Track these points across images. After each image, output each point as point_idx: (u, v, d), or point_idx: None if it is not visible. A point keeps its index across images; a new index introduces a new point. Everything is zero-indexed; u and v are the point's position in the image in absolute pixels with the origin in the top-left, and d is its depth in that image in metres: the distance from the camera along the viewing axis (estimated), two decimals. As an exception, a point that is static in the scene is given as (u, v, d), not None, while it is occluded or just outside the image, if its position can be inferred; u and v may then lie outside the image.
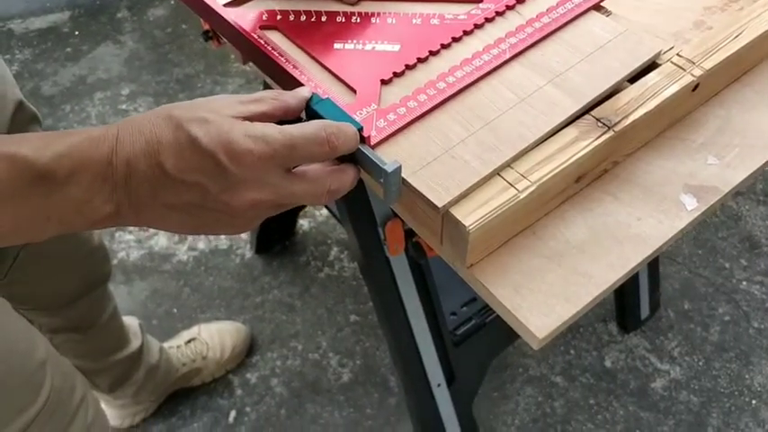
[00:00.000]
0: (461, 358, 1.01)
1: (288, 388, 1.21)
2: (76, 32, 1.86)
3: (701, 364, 1.25)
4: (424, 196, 0.44)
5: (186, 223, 0.41)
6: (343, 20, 0.55)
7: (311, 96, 0.46)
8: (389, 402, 1.20)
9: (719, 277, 1.37)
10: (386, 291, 0.88)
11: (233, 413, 1.19)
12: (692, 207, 0.50)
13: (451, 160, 0.46)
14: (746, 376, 1.24)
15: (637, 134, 0.51)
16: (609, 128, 0.48)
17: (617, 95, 0.50)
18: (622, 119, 0.49)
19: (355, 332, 1.28)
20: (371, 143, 0.47)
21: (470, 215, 0.44)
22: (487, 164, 0.46)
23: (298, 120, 0.46)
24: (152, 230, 1.44)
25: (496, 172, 0.46)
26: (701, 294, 1.34)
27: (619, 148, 0.50)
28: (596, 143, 0.47)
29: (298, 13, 0.55)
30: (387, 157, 0.45)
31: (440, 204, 0.44)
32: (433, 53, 0.52)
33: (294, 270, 1.37)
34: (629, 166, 0.52)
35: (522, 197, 0.45)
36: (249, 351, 1.25)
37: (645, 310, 1.29)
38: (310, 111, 0.46)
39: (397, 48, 0.53)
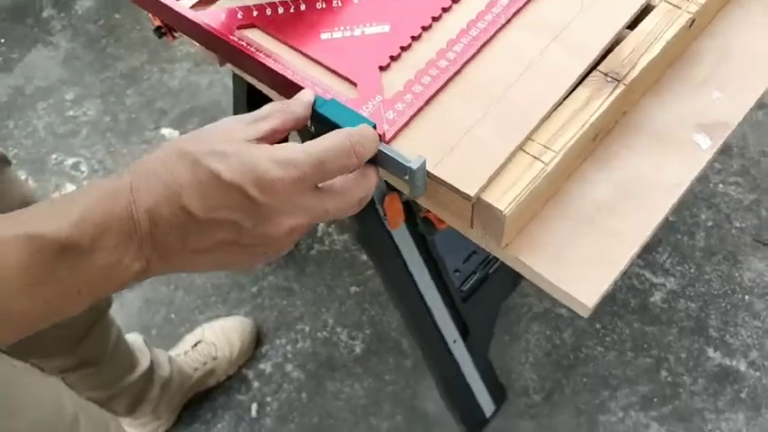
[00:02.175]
0: (472, 312, 1.02)
1: (304, 371, 1.21)
2: (2, 39, 1.75)
3: (692, 271, 1.29)
4: (453, 187, 0.43)
5: (220, 262, 0.39)
6: (324, 5, 0.52)
7: (315, 99, 0.44)
8: (406, 365, 1.22)
9: (697, 184, 1.40)
10: (392, 265, 0.87)
11: (254, 406, 1.18)
12: (706, 146, 0.50)
13: (472, 144, 0.44)
14: (736, 274, 1.28)
15: (643, 81, 0.50)
16: (619, 81, 0.47)
17: (619, 46, 0.49)
18: (630, 70, 0.48)
19: (359, 303, 1.28)
20: (386, 139, 0.45)
21: (503, 198, 0.43)
22: (509, 141, 0.44)
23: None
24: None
25: (519, 147, 0.45)
26: (681, 204, 1.37)
27: (629, 98, 0.49)
28: (610, 99, 0.46)
29: (274, 6, 0.52)
30: (403, 150, 0.44)
31: (471, 193, 0.42)
32: (425, 29, 0.50)
33: (285, 253, 1.35)
34: (638, 114, 0.51)
35: (549, 169, 0.44)
36: (257, 342, 1.24)
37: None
38: (316, 114, 0.43)
39: (387, 28, 0.50)
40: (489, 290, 1.05)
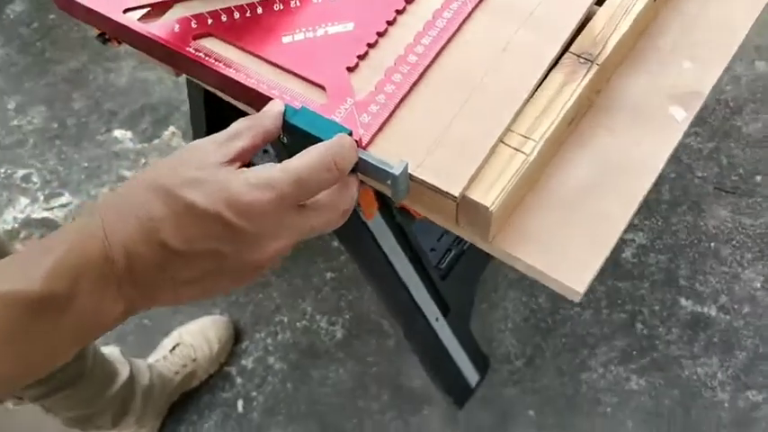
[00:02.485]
0: (451, 289, 1.03)
1: (286, 362, 1.21)
2: (-72, 51, 1.65)
3: (660, 224, 1.32)
4: (436, 188, 0.42)
5: (207, 291, 0.37)
6: (282, 7, 0.49)
7: (285, 109, 0.42)
8: (388, 345, 1.22)
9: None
10: (370, 253, 0.86)
11: (240, 402, 1.17)
12: (681, 118, 0.50)
13: (451, 141, 0.43)
14: (701, 223, 1.31)
15: (615, 59, 0.49)
16: (592, 62, 0.47)
17: (590, 24, 0.48)
18: (602, 49, 0.47)
19: (335, 288, 1.27)
20: (363, 144, 0.43)
21: (488, 194, 0.42)
22: (488, 135, 0.43)
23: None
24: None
25: (499, 140, 0.44)
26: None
27: (602, 77, 0.49)
28: (584, 82, 0.46)
29: (230, 12, 0.49)
30: (382, 153, 0.42)
31: (456, 193, 0.42)
32: (390, 23, 0.48)
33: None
34: (612, 91, 0.51)
35: (531, 159, 0.43)
36: (237, 338, 1.22)
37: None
38: (288, 125, 0.42)
39: (350, 26, 0.48)
40: (466, 265, 1.05)
